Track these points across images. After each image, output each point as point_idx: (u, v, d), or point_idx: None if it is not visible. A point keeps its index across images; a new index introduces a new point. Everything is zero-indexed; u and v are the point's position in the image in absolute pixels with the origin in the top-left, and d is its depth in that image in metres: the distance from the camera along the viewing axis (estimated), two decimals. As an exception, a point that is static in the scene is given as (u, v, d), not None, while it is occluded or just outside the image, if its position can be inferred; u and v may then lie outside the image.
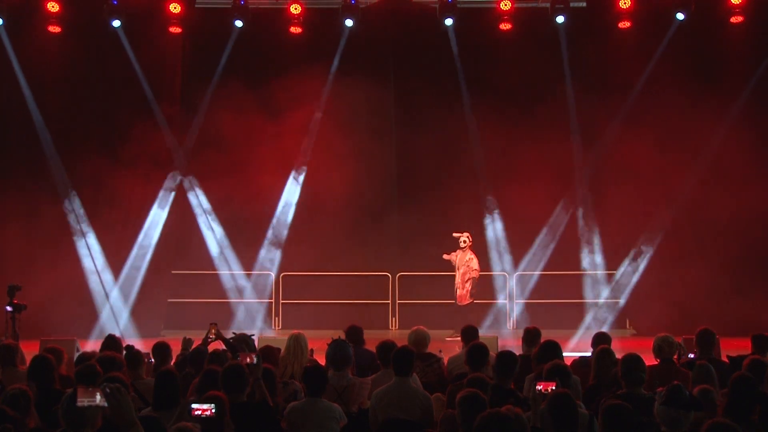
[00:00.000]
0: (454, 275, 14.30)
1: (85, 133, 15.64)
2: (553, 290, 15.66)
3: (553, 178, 15.80)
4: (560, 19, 15.01)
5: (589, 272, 15.64)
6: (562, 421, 4.54)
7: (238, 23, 15.15)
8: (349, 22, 15.12)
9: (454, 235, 14.32)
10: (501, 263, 15.97)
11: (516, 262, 15.93)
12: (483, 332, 10.98)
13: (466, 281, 14.15)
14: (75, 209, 15.51)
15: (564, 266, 15.72)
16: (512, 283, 15.91)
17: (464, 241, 14.17)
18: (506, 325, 15.68)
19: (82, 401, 3.87)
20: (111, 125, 15.59)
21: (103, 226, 15.55)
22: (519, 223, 15.96)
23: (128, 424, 3.87)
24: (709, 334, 7.37)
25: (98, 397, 3.85)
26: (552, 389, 4.78)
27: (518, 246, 15.96)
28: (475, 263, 14.18)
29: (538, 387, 4.85)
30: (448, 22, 15.06)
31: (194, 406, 4.52)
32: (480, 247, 15.83)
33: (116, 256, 15.62)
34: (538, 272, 15.85)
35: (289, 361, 7.04)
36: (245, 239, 16.02)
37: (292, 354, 7.08)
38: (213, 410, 4.49)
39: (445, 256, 14.49)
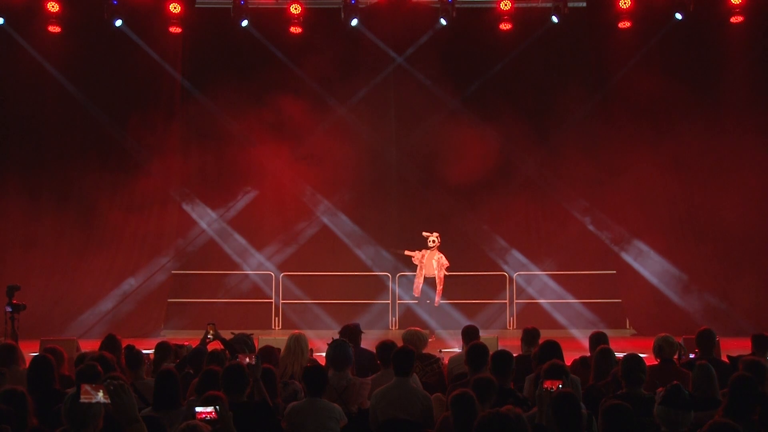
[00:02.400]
0: (429, 274, 14.26)
1: (84, 133, 15.64)
2: (552, 290, 15.69)
3: (553, 177, 15.82)
4: (554, 19, 15.01)
5: (590, 272, 15.63)
6: (566, 420, 4.54)
7: (244, 23, 15.14)
8: (354, 22, 15.12)
9: (424, 234, 14.36)
10: (501, 263, 15.97)
11: (516, 262, 15.93)
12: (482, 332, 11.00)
13: (442, 280, 14.22)
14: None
15: (564, 266, 15.73)
16: (512, 283, 15.89)
17: (433, 241, 14.23)
18: (507, 325, 15.68)
19: (86, 398, 3.88)
20: (110, 125, 15.58)
21: (107, 226, 15.55)
22: (518, 223, 15.97)
23: (131, 422, 3.88)
24: (710, 334, 7.37)
25: (101, 393, 3.86)
26: (559, 387, 4.77)
27: (518, 246, 15.97)
28: (444, 260, 14.27)
29: (545, 386, 4.85)
30: (443, 22, 15.07)
31: (198, 409, 4.53)
32: (479, 247, 15.87)
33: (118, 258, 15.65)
34: (538, 272, 15.87)
35: (289, 361, 7.03)
36: (245, 239, 16.01)
37: (292, 354, 7.07)
38: (216, 412, 4.50)
39: (407, 253, 14.52)
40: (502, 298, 15.83)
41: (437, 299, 14.27)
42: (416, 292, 14.33)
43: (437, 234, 14.31)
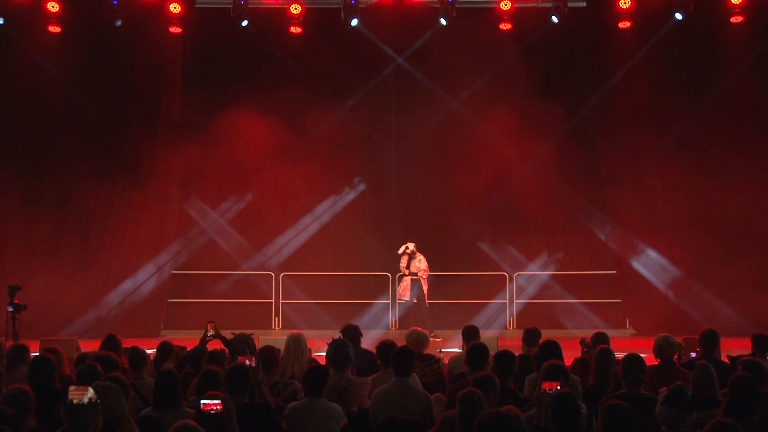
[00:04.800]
0: (412, 277, 14.47)
1: (84, 132, 15.65)
2: (552, 290, 15.71)
3: (553, 177, 15.81)
4: (554, 19, 15.02)
5: (590, 272, 15.63)
6: (565, 420, 4.54)
7: (244, 23, 15.14)
8: (354, 21, 15.11)
9: (399, 252, 14.53)
10: (501, 263, 15.97)
11: (516, 263, 15.94)
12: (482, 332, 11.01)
13: (426, 281, 14.49)
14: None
15: (564, 266, 15.73)
16: (512, 283, 15.89)
17: (412, 250, 14.47)
18: (507, 325, 15.69)
19: (73, 399, 3.92)
20: (110, 125, 15.59)
21: (107, 226, 15.55)
22: (519, 223, 15.98)
23: (119, 421, 3.91)
24: (714, 334, 7.40)
25: (89, 394, 3.90)
26: (557, 388, 4.78)
27: (518, 246, 15.97)
28: (425, 264, 14.46)
29: (543, 387, 4.86)
30: (443, 22, 15.07)
31: (204, 401, 4.56)
32: (479, 247, 15.87)
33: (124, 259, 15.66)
34: (538, 272, 15.88)
35: (289, 361, 7.04)
36: (245, 239, 16.01)
37: (292, 354, 7.08)
38: (221, 406, 4.54)
39: (404, 269, 14.66)
40: (502, 298, 15.83)
41: (426, 301, 14.39)
42: (405, 296, 14.49)
43: (413, 244, 14.45)
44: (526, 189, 15.77)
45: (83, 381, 5.34)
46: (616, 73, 15.58)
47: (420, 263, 14.45)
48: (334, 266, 15.81)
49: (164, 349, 7.37)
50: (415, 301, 14.51)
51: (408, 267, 14.48)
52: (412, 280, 14.44)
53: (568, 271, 15.63)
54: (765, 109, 15.39)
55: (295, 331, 7.43)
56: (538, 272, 15.86)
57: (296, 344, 7.14)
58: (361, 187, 16.21)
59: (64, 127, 15.67)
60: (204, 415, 4.61)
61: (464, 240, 15.86)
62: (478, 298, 15.55)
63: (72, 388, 3.96)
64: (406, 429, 5.66)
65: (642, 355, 5.94)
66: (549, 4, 15.17)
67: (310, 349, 7.60)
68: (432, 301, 14.77)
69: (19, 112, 15.78)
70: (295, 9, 15.17)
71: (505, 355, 6.08)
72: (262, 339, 9.06)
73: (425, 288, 14.45)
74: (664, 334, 7.16)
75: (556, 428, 4.58)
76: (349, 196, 16.14)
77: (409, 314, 14.71)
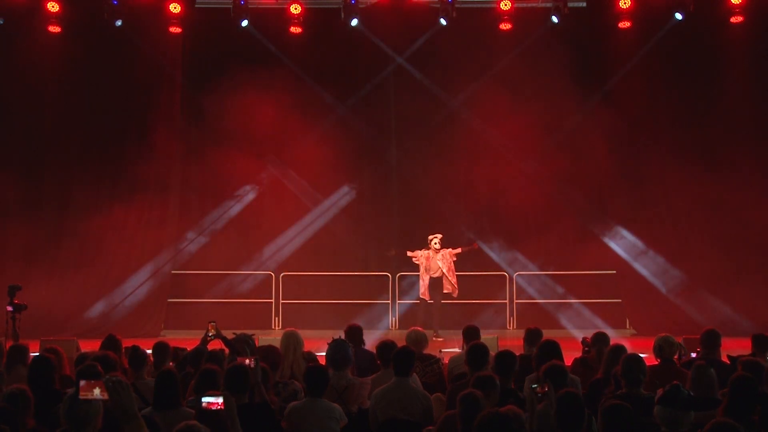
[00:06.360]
0: (436, 274, 14.37)
1: (83, 132, 15.65)
2: (552, 290, 15.71)
3: (553, 177, 15.81)
4: (554, 19, 15.02)
5: (590, 272, 15.63)
6: (570, 420, 4.54)
7: (245, 23, 15.14)
8: (354, 21, 15.11)
9: (429, 237, 14.39)
10: (501, 263, 15.97)
11: (517, 263, 15.94)
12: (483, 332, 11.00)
13: (454, 270, 14.38)
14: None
15: (564, 266, 15.73)
16: (512, 283, 15.90)
17: (437, 243, 14.31)
18: (507, 325, 15.69)
19: (85, 395, 3.90)
20: (110, 125, 15.59)
21: (107, 225, 15.55)
22: (519, 223, 15.99)
23: (129, 418, 3.89)
24: (715, 334, 7.40)
25: (99, 390, 3.88)
26: (546, 390, 4.80)
27: (518, 246, 15.97)
28: (448, 255, 14.38)
29: (541, 391, 4.87)
30: (443, 22, 15.07)
31: (205, 399, 4.56)
32: (480, 248, 15.87)
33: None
34: (538, 272, 15.88)
35: (288, 359, 7.05)
36: (246, 239, 16.02)
37: (290, 352, 7.09)
38: (222, 403, 4.54)
39: (409, 253, 14.57)
40: (502, 298, 15.83)
41: (455, 292, 14.36)
42: (424, 295, 14.38)
43: (441, 236, 14.39)
44: (527, 189, 15.76)
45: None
46: (615, 73, 15.59)
47: (445, 262, 14.35)
48: (334, 266, 15.81)
49: (159, 349, 7.34)
50: (431, 301, 14.42)
51: (429, 264, 14.33)
52: (431, 278, 14.35)
53: (568, 271, 15.63)
54: (765, 109, 15.39)
55: (287, 329, 7.47)
56: (538, 272, 15.86)
57: (290, 341, 7.17)
58: (353, 194, 16.17)
59: (63, 127, 15.67)
60: (205, 414, 4.61)
61: (465, 240, 15.84)
62: (478, 298, 15.56)
63: (82, 382, 3.93)
64: (406, 429, 5.66)
65: (642, 355, 5.95)
66: (549, 4, 15.18)
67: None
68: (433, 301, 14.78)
69: (19, 112, 15.78)
70: (295, 9, 15.18)
71: (505, 355, 6.09)
72: (262, 339, 9.07)
73: (454, 280, 14.37)
74: (664, 334, 7.17)
75: (558, 428, 4.58)
76: (349, 195, 16.14)
77: (417, 312, 14.65)
